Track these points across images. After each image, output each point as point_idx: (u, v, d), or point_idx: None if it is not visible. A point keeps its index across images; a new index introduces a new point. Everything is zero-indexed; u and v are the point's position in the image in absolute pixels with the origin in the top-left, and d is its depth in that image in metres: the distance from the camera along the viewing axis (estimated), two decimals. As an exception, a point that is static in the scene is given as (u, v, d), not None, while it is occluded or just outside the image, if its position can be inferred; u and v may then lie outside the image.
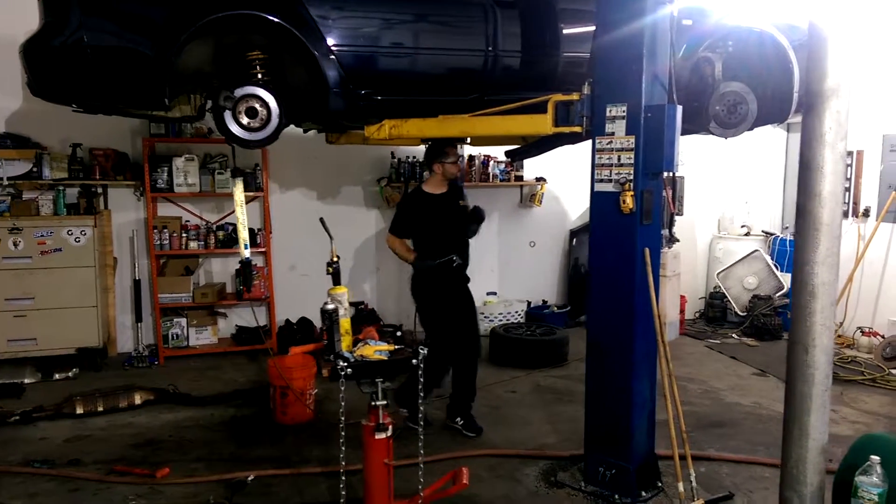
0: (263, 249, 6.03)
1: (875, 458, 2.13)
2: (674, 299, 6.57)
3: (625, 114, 3.22)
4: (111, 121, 4.93)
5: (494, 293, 7.11)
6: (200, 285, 6.00)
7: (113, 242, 5.86)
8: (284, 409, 4.31)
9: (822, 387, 2.35)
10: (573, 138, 3.73)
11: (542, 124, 3.40)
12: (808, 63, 2.24)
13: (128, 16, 3.20)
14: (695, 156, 7.25)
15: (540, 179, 6.85)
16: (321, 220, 3.08)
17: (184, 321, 5.92)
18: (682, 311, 7.02)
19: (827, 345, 2.33)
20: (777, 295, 6.93)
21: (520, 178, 6.81)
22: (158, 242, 5.72)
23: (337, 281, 2.81)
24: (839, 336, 6.54)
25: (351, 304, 6.31)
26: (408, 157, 6.42)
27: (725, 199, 7.71)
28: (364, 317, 6.32)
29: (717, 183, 7.60)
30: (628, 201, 3.24)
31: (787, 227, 7.53)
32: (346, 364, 2.48)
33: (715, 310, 7.38)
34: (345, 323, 2.59)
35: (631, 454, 3.48)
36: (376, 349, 2.58)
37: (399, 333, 2.81)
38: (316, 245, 6.31)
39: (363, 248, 6.61)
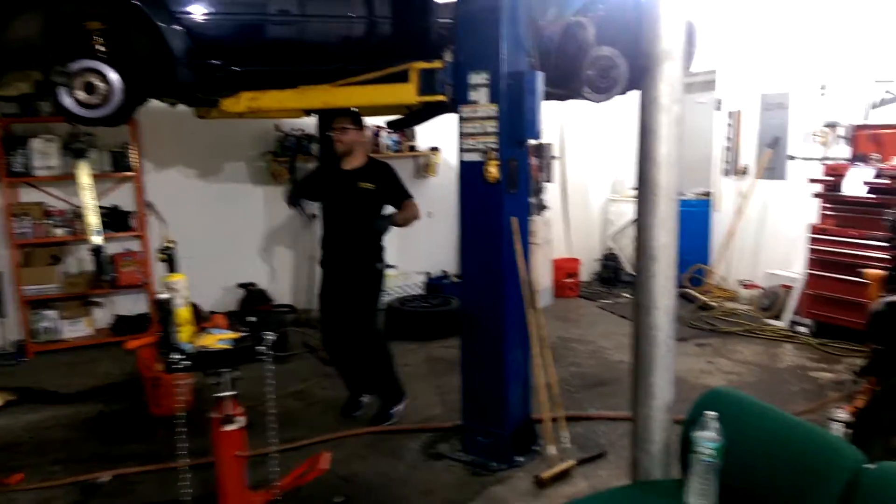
0: (139, 233, 5.69)
1: (711, 413, 2.18)
2: (545, 266, 6.64)
3: (487, 81, 3.16)
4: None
5: (394, 266, 7.00)
6: (70, 274, 5.61)
7: (-31, 233, 5.38)
8: (157, 400, 4.09)
9: (664, 347, 2.41)
10: (453, 107, 3.65)
11: (406, 93, 3.30)
12: (643, 26, 2.22)
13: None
14: (589, 120, 7.36)
15: (434, 149, 6.76)
16: (148, 203, 2.85)
17: (54, 313, 5.53)
18: (574, 275, 7.18)
19: (668, 305, 2.38)
20: (666, 254, 7.17)
21: (413, 149, 6.70)
22: (19, 231, 5.29)
23: (172, 268, 2.63)
24: (722, 290, 6.85)
25: (240, 285, 6.19)
26: (293, 129, 6.17)
27: (617, 163, 7.87)
28: (255, 298, 6.12)
29: (608, 147, 7.74)
30: (493, 171, 3.20)
31: (675, 188, 7.78)
32: (181, 357, 2.33)
33: (608, 270, 7.59)
34: (183, 313, 2.44)
35: (506, 421, 3.51)
36: (219, 338, 2.45)
37: (252, 319, 2.67)
38: (200, 226, 6.05)
39: (251, 227, 6.35)
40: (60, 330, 5.57)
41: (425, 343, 5.62)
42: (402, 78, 3.32)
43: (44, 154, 5.25)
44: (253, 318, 2.67)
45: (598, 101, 4.15)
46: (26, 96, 4.93)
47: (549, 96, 4.05)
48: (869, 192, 5.03)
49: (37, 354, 5.44)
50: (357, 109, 3.84)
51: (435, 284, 6.89)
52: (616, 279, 7.54)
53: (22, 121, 5.31)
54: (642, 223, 2.32)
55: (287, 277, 6.47)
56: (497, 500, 3.26)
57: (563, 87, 4.09)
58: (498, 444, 3.51)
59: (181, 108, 4.55)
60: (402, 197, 4.03)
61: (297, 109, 3.76)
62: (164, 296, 2.35)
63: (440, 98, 3.29)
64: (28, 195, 5.53)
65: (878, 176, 5.00)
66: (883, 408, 2.81)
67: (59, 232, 5.43)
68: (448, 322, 5.84)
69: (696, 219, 7.13)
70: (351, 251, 4.00)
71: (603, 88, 4.10)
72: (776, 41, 6.21)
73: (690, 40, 3.85)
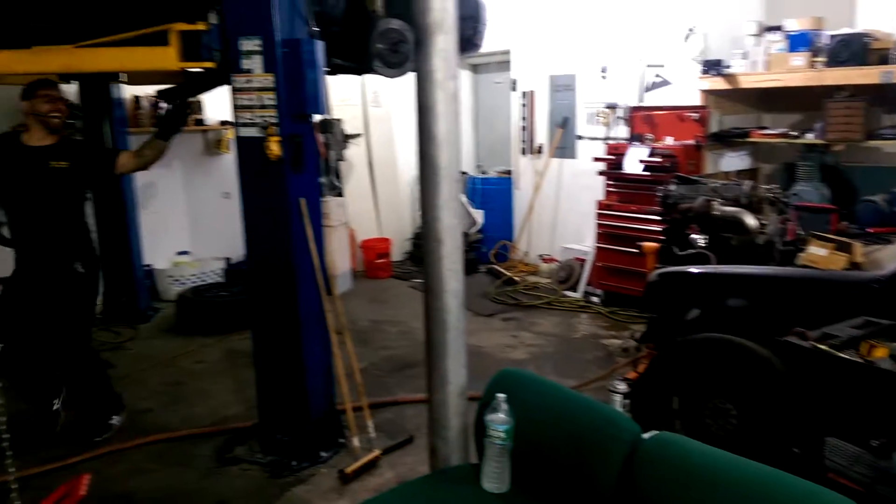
0: None
1: (500, 395, 2.14)
2: (343, 249, 6.45)
3: (260, 48, 2.86)
4: None
5: (187, 252, 6.43)
6: None
7: None
8: None
9: (455, 331, 2.33)
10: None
11: (166, 58, 2.89)
12: (416, -6, 2.08)
13: None
14: (395, 95, 7.22)
15: (225, 123, 6.23)
16: None
17: None
18: (386, 255, 7.09)
19: (456, 288, 2.30)
20: (472, 230, 7.32)
21: (201, 122, 6.12)
22: None
23: None
24: (525, 265, 7.13)
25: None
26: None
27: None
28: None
29: (416, 122, 7.68)
30: (274, 147, 2.92)
31: (479, 166, 7.95)
32: None
33: (420, 250, 7.56)
34: None
35: (307, 415, 3.31)
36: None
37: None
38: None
39: None
40: None
41: (224, 336, 5.19)
42: (161, 41, 2.90)
43: None
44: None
45: (390, 77, 3.98)
46: None
47: (340, 69, 3.85)
48: (644, 170, 5.44)
49: None
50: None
51: (236, 271, 6.42)
52: (426, 257, 7.55)
53: None
54: (426, 205, 2.21)
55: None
56: (298, 501, 3.06)
57: (354, 61, 3.88)
58: (299, 440, 3.30)
59: None
60: (112, 158, 3.59)
61: (35, 74, 3.17)
62: None
63: (207, 65, 2.92)
64: None
65: (651, 155, 5.43)
66: (659, 372, 2.99)
67: None
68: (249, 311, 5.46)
69: (499, 197, 7.34)
70: (48, 247, 3.42)
71: (394, 63, 3.94)
72: (564, 24, 6.48)
73: (479, 17, 3.83)
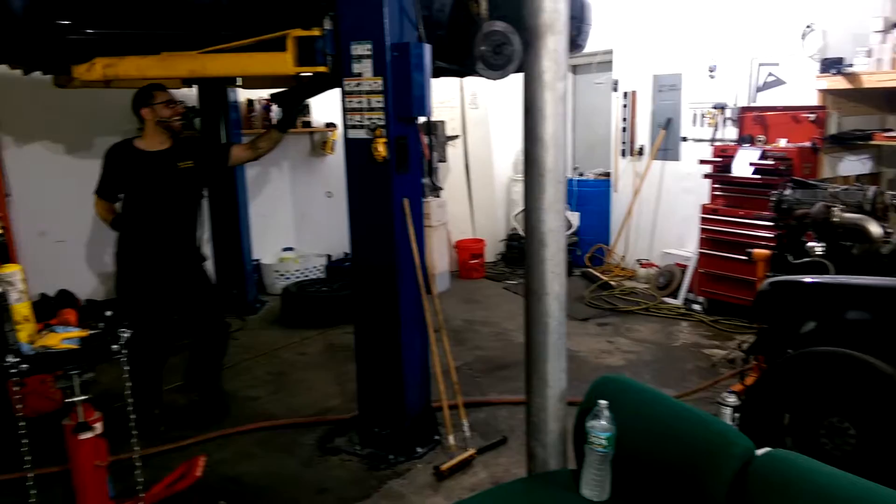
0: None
1: (602, 402, 2.11)
2: (441, 249, 6.53)
3: (370, 52, 2.95)
4: None
5: (291, 249, 6.72)
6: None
7: None
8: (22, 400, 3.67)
9: (556, 334, 2.31)
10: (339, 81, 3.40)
11: (282, 63, 3.03)
12: (526, -3, 2.08)
13: None
14: (493, 96, 7.26)
15: (330, 125, 6.48)
16: None
17: None
18: (479, 256, 7.11)
19: (559, 292, 2.28)
20: (567, 233, 7.22)
21: (308, 125, 6.38)
22: None
23: (5, 258, 2.30)
24: (622, 269, 6.97)
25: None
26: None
27: (520, 141, 7.82)
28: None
29: (513, 124, 7.68)
30: (381, 149, 3.00)
31: (576, 168, 7.84)
32: (17, 360, 2.03)
33: (513, 251, 7.57)
34: (21, 308, 2.12)
35: (404, 411, 3.37)
36: (64, 337, 2.15)
37: (109, 313, 2.36)
38: (71, 207, 5.52)
39: (133, 208, 5.87)
40: None
41: (325, 330, 5.39)
42: (278, 46, 3.04)
43: None
44: (109, 312, 2.37)
45: (493, 79, 4.01)
46: None
47: (443, 72, 3.91)
48: (755, 173, 5.19)
49: None
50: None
51: (337, 267, 6.65)
52: (521, 259, 7.47)
53: None
54: (530, 207, 2.20)
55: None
56: (394, 495, 3.13)
57: (458, 63, 3.93)
58: (396, 435, 3.37)
59: (38, 76, 4.07)
60: (227, 151, 3.77)
61: (164, 78, 3.40)
62: (-4, 291, 2.03)
63: (320, 69, 3.04)
64: None
65: (763, 157, 5.16)
66: (770, 387, 2.85)
67: None
68: (350, 307, 5.61)
69: (596, 199, 7.21)
70: (181, 244, 3.64)
71: (497, 65, 3.96)
72: (669, 22, 6.30)
73: (584, 17, 3.78)
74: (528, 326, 2.34)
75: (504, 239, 7.83)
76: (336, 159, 6.65)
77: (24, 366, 2.06)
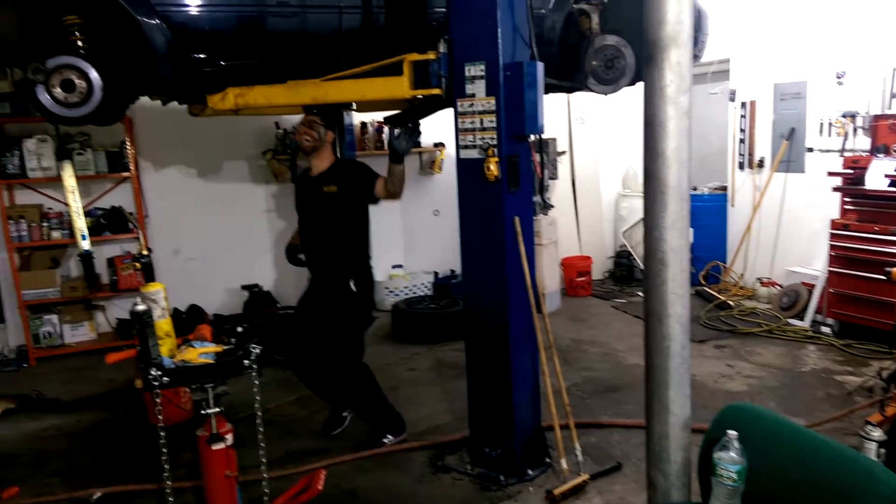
0: (136, 235, 5.57)
1: (732, 433, 1.99)
2: (552, 268, 6.43)
3: (483, 73, 2.97)
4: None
5: (400, 266, 6.87)
6: (71, 277, 5.51)
7: (-34, 237, 5.31)
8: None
9: (678, 359, 2.22)
10: (451, 101, 3.46)
11: (399, 87, 3.12)
12: (646, 9, 2.03)
13: None
14: (599, 111, 7.15)
15: (438, 145, 6.60)
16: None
17: (55, 318, 5.44)
18: (586, 273, 6.97)
19: (682, 314, 2.19)
20: (681, 250, 6.94)
21: (417, 145, 6.52)
22: (16, 234, 5.19)
23: (150, 277, 2.48)
24: (740, 288, 6.62)
25: (244, 287, 6.05)
26: (294, 126, 6.01)
27: (629, 156, 7.64)
28: (260, 300, 6.00)
29: (621, 139, 7.52)
30: (493, 168, 3.01)
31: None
32: (159, 373, 2.18)
33: (622, 269, 7.37)
34: (163, 325, 2.28)
35: (514, 431, 3.33)
36: (201, 351, 2.29)
37: (240, 329, 2.51)
38: (202, 226, 5.95)
39: (254, 227, 6.23)
40: (62, 335, 5.49)
41: (433, 346, 5.46)
42: (395, 71, 3.14)
43: (38, 155, 5.14)
44: (241, 328, 2.51)
45: (604, 93, 3.96)
46: (15, 95, 4.85)
47: (552, 88, 3.89)
48: (890, 186, 4.78)
49: (39, 360, 5.36)
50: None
51: (443, 284, 6.73)
52: (629, 277, 7.32)
53: (14, 120, 5.23)
54: (651, 224, 2.13)
55: (293, 278, 6.32)
56: (507, 518, 3.10)
57: (567, 79, 3.90)
58: (507, 456, 3.34)
59: (175, 105, 4.42)
60: (373, 182, 3.57)
61: (289, 105, 3.60)
62: (141, 307, 2.19)
63: (435, 91, 3.11)
64: (25, 197, 5.44)
65: (901, 168, 4.76)
66: (916, 419, 2.60)
67: (57, 234, 5.34)
68: (457, 324, 5.62)
69: (711, 214, 6.90)
70: (324, 264, 3.70)
71: (609, 80, 3.91)
72: (791, 28, 5.96)
73: (700, 27, 3.66)
74: (648, 350, 2.25)
75: (612, 256, 7.64)
76: (444, 178, 6.76)
77: (165, 379, 2.21)
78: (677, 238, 2.10)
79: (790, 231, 6.25)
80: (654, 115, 2.03)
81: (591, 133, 7.33)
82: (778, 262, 6.34)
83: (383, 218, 6.79)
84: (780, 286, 6.14)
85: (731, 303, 6.20)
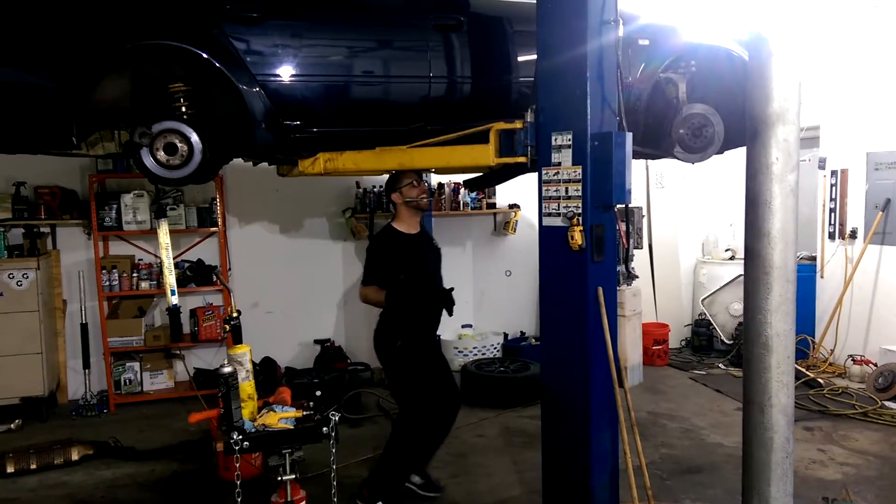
0: (220, 288, 5.75)
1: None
2: (635, 341, 6.17)
3: (570, 142, 2.96)
4: (58, 157, 4.72)
5: (470, 326, 6.81)
6: (155, 326, 5.71)
7: (63, 284, 5.60)
8: (227, 463, 3.98)
9: (782, 453, 2.06)
10: (533, 167, 3.47)
11: (484, 155, 3.14)
12: (750, 84, 1.97)
13: (26, 45, 2.96)
14: (679, 176, 7.02)
15: (513, 206, 6.60)
16: (212, 268, 2.77)
17: (136, 365, 5.62)
18: (663, 342, 6.71)
19: (786, 404, 2.05)
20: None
21: (492, 206, 6.55)
22: (108, 283, 5.44)
23: (238, 339, 2.51)
24: (830, 365, 6.23)
25: (316, 341, 6.12)
26: (374, 186, 6.16)
27: (710, 222, 7.43)
28: (331, 355, 6.04)
29: (701, 205, 7.34)
30: (577, 237, 2.96)
31: (773, 250, 7.25)
32: (240, 437, 2.18)
33: (701, 338, 7.07)
34: (246, 387, 2.30)
35: (592, 511, 3.16)
36: (281, 416, 2.29)
37: (319, 393, 2.50)
38: (281, 281, 6.10)
39: (329, 283, 6.33)
40: (141, 382, 5.66)
41: (502, 411, 5.33)
42: (480, 138, 3.17)
43: (133, 209, 5.42)
44: (319, 393, 2.50)
45: (691, 162, 3.88)
46: (120, 155, 5.16)
47: (637, 155, 3.83)
48: None
49: (118, 406, 5.52)
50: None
51: (512, 347, 6.61)
52: (709, 347, 7.02)
53: (115, 176, 5.55)
54: (752, 307, 2.02)
55: (365, 335, 6.35)
56: None
57: (653, 147, 3.85)
58: (583, 536, 3.16)
59: (264, 165, 4.59)
60: None
61: (376, 171, 3.67)
62: (228, 369, 2.22)
63: (520, 160, 3.10)
64: (118, 248, 5.72)
65: None
66: None
67: (146, 285, 5.56)
68: (527, 389, 5.52)
69: (799, 286, 6.46)
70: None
71: (696, 148, 3.83)
72: (886, 94, 5.74)
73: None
74: (747, 439, 2.11)
75: (689, 324, 7.36)
76: (517, 239, 6.73)
77: (246, 444, 2.21)
78: (782, 322, 1.98)
79: (887, 306, 5.86)
80: (758, 194, 1.94)
81: (669, 198, 7.19)
82: (872, 339, 5.95)
83: (455, 277, 6.77)
84: (875, 365, 5.75)
85: (820, 380, 5.82)
